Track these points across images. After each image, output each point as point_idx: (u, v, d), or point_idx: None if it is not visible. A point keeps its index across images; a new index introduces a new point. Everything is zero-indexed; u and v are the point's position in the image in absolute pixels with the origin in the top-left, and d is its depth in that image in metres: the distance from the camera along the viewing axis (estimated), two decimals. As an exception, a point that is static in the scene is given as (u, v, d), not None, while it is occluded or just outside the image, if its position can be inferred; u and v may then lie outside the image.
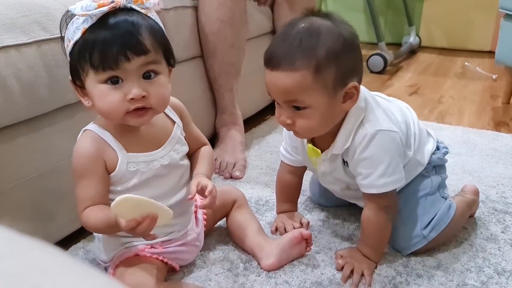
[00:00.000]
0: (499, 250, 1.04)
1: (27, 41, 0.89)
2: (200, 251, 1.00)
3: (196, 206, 0.99)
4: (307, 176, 1.17)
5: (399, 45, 3.16)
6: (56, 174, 0.96)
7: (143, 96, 0.77)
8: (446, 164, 1.09)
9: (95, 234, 0.93)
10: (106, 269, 0.92)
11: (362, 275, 0.94)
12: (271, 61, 0.85)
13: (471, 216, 1.15)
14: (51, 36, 0.93)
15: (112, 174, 0.83)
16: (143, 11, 0.79)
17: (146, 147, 0.86)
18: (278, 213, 1.14)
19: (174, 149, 0.89)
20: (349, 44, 0.86)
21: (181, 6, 1.34)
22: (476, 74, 2.64)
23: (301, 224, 1.10)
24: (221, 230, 1.09)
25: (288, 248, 0.97)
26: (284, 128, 1.03)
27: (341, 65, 0.84)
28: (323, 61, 0.82)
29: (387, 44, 2.74)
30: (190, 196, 0.86)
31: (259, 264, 0.97)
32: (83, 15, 0.75)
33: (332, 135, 0.93)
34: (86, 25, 0.76)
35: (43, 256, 0.25)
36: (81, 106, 0.85)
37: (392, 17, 3.29)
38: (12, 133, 0.89)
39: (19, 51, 0.88)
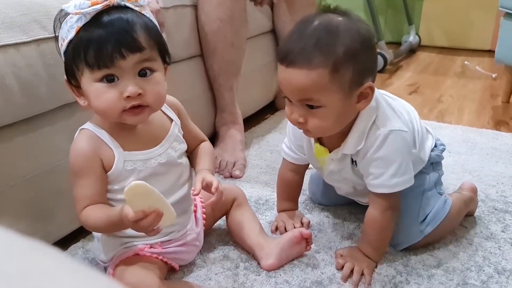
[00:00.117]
0: (499, 249, 1.04)
1: (26, 40, 0.89)
2: (200, 251, 1.00)
3: (195, 206, 0.99)
4: (307, 176, 1.17)
5: (398, 44, 3.16)
6: (55, 173, 0.96)
7: (139, 94, 0.77)
8: (446, 163, 1.09)
9: (94, 234, 0.93)
10: (105, 269, 0.92)
11: (362, 274, 0.93)
12: (286, 58, 0.83)
13: (471, 215, 1.15)
14: (51, 35, 0.92)
15: (109, 172, 0.83)
16: (137, 8, 0.78)
17: (143, 145, 0.85)
18: (279, 211, 1.14)
19: (172, 147, 0.88)
20: (367, 43, 0.84)
21: (181, 5, 1.34)
22: (476, 73, 2.64)
23: (302, 223, 1.09)
24: (221, 229, 1.09)
25: (288, 247, 0.97)
26: (288, 126, 1.02)
27: (358, 65, 0.83)
28: (341, 60, 0.81)
29: (387, 43, 2.74)
30: (195, 192, 0.86)
31: (259, 264, 0.97)
32: (76, 14, 0.74)
33: (341, 135, 0.92)
34: (80, 24, 0.75)
35: (42, 257, 0.25)
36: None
37: (392, 16, 3.29)
38: (11, 132, 0.89)
39: (18, 50, 0.88)
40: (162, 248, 0.90)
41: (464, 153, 1.52)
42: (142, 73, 0.78)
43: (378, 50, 2.63)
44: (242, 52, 1.48)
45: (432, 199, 1.02)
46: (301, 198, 1.18)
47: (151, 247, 0.89)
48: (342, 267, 0.95)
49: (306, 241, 0.99)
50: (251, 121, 1.74)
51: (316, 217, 1.15)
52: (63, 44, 0.78)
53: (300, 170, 1.10)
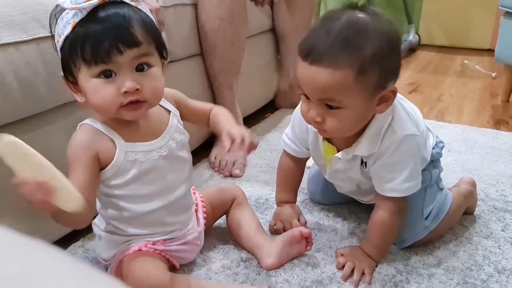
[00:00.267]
0: (499, 248, 1.04)
1: (26, 38, 0.89)
2: (200, 250, 0.99)
3: (196, 205, 0.99)
4: (306, 175, 1.17)
5: (398, 43, 3.16)
6: (55, 172, 0.96)
7: (137, 89, 0.77)
8: (446, 162, 1.10)
9: (96, 232, 0.93)
10: (106, 268, 0.92)
11: (363, 273, 0.93)
12: (310, 54, 0.79)
13: (471, 213, 1.16)
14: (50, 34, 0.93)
15: (109, 165, 0.81)
16: (133, 3, 0.78)
17: (143, 138, 0.85)
18: (277, 203, 1.12)
19: (173, 138, 0.88)
20: (395, 45, 0.82)
21: (181, 3, 1.34)
22: (475, 72, 2.64)
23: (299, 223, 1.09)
24: (221, 228, 1.09)
25: (288, 247, 0.97)
26: (294, 119, 1.01)
27: (385, 68, 0.81)
28: (369, 62, 0.78)
29: (387, 42, 2.73)
30: (227, 148, 0.82)
31: (259, 263, 0.97)
32: (72, 9, 0.74)
33: (354, 135, 0.90)
34: (76, 19, 0.75)
35: (43, 257, 0.25)
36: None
37: (392, 15, 3.27)
38: (10, 131, 0.88)
39: (17, 48, 0.87)
40: (165, 246, 0.90)
41: (464, 152, 1.51)
42: (140, 68, 0.78)
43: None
44: (242, 51, 1.48)
45: (434, 195, 1.02)
46: (301, 197, 1.18)
47: (153, 244, 0.89)
48: (343, 266, 0.95)
49: (306, 240, 0.98)
50: (251, 120, 1.73)
51: (316, 216, 1.15)
52: (59, 40, 0.77)
53: (300, 162, 1.10)
